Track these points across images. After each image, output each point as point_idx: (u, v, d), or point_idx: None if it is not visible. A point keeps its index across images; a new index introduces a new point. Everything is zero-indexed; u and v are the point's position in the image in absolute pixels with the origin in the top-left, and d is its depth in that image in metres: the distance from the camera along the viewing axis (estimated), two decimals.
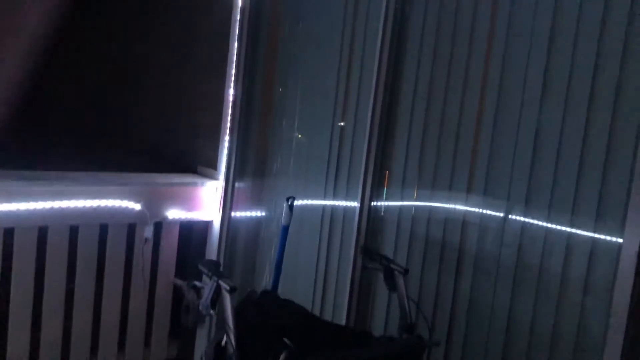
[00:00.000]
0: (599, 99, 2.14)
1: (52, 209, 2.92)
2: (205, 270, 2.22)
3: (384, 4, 2.80)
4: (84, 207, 3.03)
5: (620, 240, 2.01)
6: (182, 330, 3.45)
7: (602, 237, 2.11)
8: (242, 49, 3.55)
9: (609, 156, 2.10)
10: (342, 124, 3.10)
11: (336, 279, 3.08)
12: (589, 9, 2.18)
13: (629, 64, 2.06)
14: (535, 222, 2.34)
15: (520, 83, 2.38)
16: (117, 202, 3.13)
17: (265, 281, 3.42)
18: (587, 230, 2.16)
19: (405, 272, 2.37)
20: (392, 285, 2.42)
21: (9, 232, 2.83)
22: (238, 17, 3.55)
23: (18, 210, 2.82)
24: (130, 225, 3.21)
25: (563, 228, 2.24)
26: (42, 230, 2.93)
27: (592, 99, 2.16)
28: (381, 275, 2.49)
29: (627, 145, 2.04)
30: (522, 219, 2.39)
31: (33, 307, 2.93)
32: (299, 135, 3.38)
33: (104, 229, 3.14)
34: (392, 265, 2.40)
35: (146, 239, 3.22)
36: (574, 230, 2.21)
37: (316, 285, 3.17)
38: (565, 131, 2.24)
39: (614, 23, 2.11)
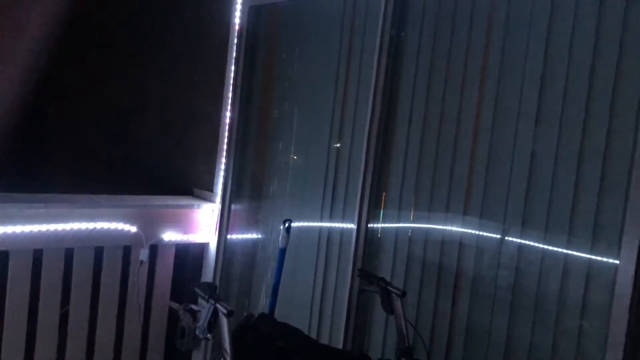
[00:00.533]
0: (593, 122, 2.16)
1: (47, 231, 2.92)
2: (201, 293, 2.21)
3: (380, 28, 2.83)
4: (80, 229, 3.03)
5: (617, 261, 2.01)
6: (177, 355, 3.41)
7: (599, 258, 2.11)
8: (239, 72, 3.59)
9: (604, 178, 2.11)
10: (339, 145, 3.11)
11: (333, 302, 3.07)
12: (581, 33, 2.21)
13: (622, 86, 2.09)
14: (532, 243, 2.34)
15: (515, 106, 2.40)
16: (113, 224, 3.13)
17: (261, 304, 3.41)
18: (584, 252, 2.16)
19: (403, 295, 2.35)
20: (389, 308, 2.41)
21: (4, 255, 2.82)
22: (235, 41, 3.59)
23: (13, 233, 2.82)
24: (126, 248, 3.20)
25: (560, 249, 2.25)
26: (37, 252, 2.92)
27: (586, 122, 2.17)
28: (378, 298, 2.48)
29: (622, 167, 2.05)
30: (518, 240, 2.39)
31: (27, 331, 2.90)
32: (295, 157, 3.39)
33: (99, 252, 3.13)
34: (389, 288, 2.39)
35: (141, 262, 3.21)
36: (570, 252, 2.21)
37: (313, 308, 3.16)
38: (560, 153, 2.25)
39: (605, 47, 2.14)
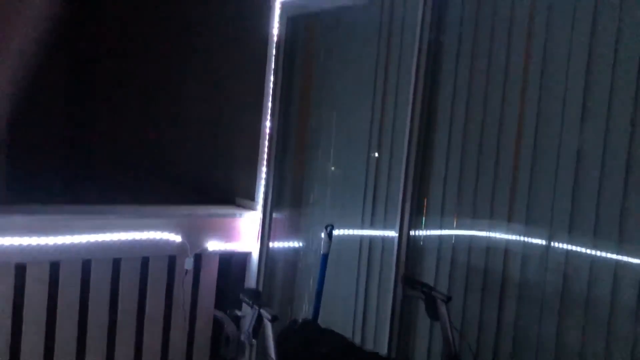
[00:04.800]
0: None
1: (95, 242, 2.99)
2: (246, 299, 2.24)
3: (418, 33, 2.82)
4: (126, 239, 3.09)
5: None
6: None
7: None
8: (278, 82, 3.62)
9: None
10: (378, 151, 3.11)
11: (377, 308, 3.06)
12: (626, 32, 2.16)
13: None
14: (580, 249, 2.29)
15: (558, 109, 2.36)
16: (158, 234, 3.18)
17: (304, 311, 3.42)
18: (635, 257, 2.11)
19: (448, 300, 2.34)
20: (434, 314, 2.40)
21: (55, 266, 2.90)
22: (274, 51, 3.63)
23: (63, 244, 2.90)
24: (171, 257, 3.25)
25: (609, 255, 2.19)
26: (85, 263, 2.99)
27: (634, 121, 2.12)
28: (422, 304, 2.46)
29: None
30: (566, 246, 2.34)
31: (77, 340, 2.98)
32: (334, 165, 3.40)
33: (145, 262, 3.19)
34: (433, 293, 2.37)
35: (187, 271, 3.26)
36: (620, 257, 2.15)
37: (356, 314, 3.15)
38: (607, 154, 2.20)
39: None
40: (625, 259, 2.14)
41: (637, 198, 2.11)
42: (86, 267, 3.00)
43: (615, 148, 2.18)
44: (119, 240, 3.05)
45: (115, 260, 3.08)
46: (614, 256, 2.17)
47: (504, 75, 2.57)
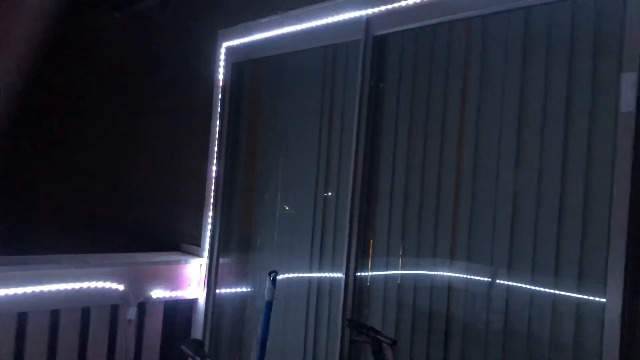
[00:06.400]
0: (572, 162, 2.18)
1: (32, 293, 2.88)
2: (187, 350, 2.17)
3: (359, 75, 2.89)
4: (66, 289, 2.99)
5: (603, 300, 2.00)
6: None
7: (586, 297, 2.10)
8: (224, 126, 3.63)
9: (586, 216, 2.12)
10: (325, 195, 3.12)
11: (326, 354, 3.01)
12: (555, 75, 2.26)
13: (598, 126, 2.12)
14: (520, 285, 2.33)
15: (494, 150, 2.43)
16: (100, 283, 3.09)
17: (253, 358, 3.34)
18: (571, 291, 2.15)
19: (394, 344, 2.32)
20: (380, 358, 2.37)
21: None
22: (219, 96, 3.65)
23: None
24: (113, 307, 3.16)
25: (548, 290, 2.23)
26: (21, 316, 2.87)
27: (564, 163, 2.20)
28: (370, 349, 2.43)
29: (603, 205, 2.06)
30: (506, 282, 2.38)
31: None
32: (282, 209, 3.39)
33: (86, 312, 3.08)
34: (379, 337, 2.35)
35: (130, 321, 3.16)
36: (558, 292, 2.20)
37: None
38: (541, 195, 2.27)
39: (580, 88, 2.19)
40: (562, 293, 2.18)
41: (570, 235, 2.16)
42: (22, 319, 2.87)
43: (548, 189, 2.24)
44: (57, 291, 2.94)
45: (54, 311, 2.97)
46: (552, 291, 2.21)
47: (442, 117, 2.64)
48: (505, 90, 2.42)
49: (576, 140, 2.18)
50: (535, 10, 2.34)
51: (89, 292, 3.05)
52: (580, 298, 2.12)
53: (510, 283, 2.36)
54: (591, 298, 2.08)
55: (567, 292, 2.17)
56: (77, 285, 3.02)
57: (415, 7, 2.68)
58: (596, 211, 2.10)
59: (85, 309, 3.07)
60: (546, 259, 2.23)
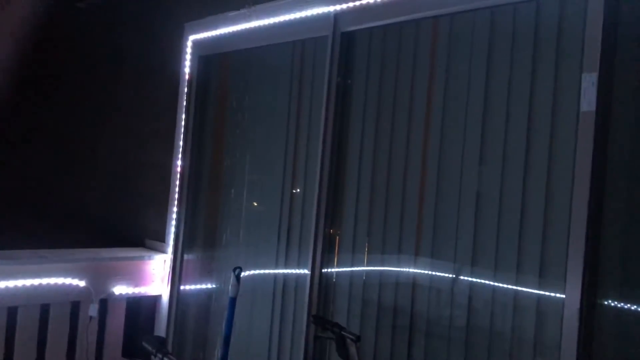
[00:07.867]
0: (534, 162, 2.22)
1: None
2: (149, 347, 2.14)
3: (327, 72, 2.88)
4: (24, 286, 2.91)
5: (563, 296, 2.04)
6: None
7: (547, 293, 2.14)
8: (190, 120, 3.58)
9: (547, 214, 2.16)
10: (292, 191, 3.11)
11: (291, 350, 3.00)
12: (519, 75, 2.29)
13: (560, 126, 2.16)
14: (483, 281, 2.36)
15: (459, 148, 2.45)
16: (60, 279, 3.03)
17: (216, 357, 3.31)
18: (532, 288, 2.19)
19: (357, 340, 2.32)
20: (344, 354, 2.37)
21: None
22: (185, 90, 3.60)
23: None
24: (74, 304, 3.09)
25: (509, 286, 2.27)
26: None
27: (527, 162, 2.23)
28: (335, 345, 2.44)
29: (563, 203, 2.10)
30: (470, 279, 2.40)
31: None
32: (248, 204, 3.37)
33: (45, 309, 3.01)
34: (343, 333, 2.35)
35: (91, 318, 3.10)
36: (520, 288, 2.23)
37: (270, 356, 3.08)
38: (504, 193, 2.30)
39: (542, 88, 2.22)
40: (523, 289, 2.22)
41: (531, 232, 2.20)
42: None
43: (510, 189, 2.27)
44: (14, 287, 2.87)
45: (11, 308, 2.89)
46: (514, 287, 2.24)
47: (408, 115, 2.65)
48: (470, 89, 2.44)
49: (539, 139, 2.21)
50: (501, 10, 2.36)
51: (48, 289, 2.98)
52: (540, 294, 2.16)
53: (473, 279, 2.39)
54: (551, 294, 2.12)
55: (528, 288, 2.20)
56: (35, 282, 2.95)
57: (383, 4, 2.69)
58: (557, 209, 2.13)
59: (44, 305, 3.00)
60: (508, 256, 2.27)
